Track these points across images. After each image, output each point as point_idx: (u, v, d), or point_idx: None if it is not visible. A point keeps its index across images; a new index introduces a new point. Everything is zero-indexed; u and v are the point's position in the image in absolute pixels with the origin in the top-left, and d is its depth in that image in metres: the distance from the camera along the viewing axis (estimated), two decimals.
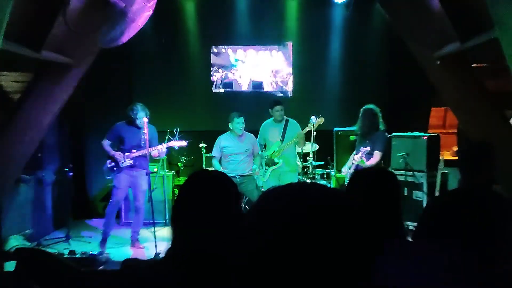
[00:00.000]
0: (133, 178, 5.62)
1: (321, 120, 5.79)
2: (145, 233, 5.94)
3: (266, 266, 0.74)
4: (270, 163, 5.94)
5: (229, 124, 5.71)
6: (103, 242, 5.61)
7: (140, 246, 5.67)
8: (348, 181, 1.92)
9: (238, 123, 5.62)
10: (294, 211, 0.76)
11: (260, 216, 0.79)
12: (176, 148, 5.73)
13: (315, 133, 6.04)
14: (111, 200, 5.67)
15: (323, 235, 0.73)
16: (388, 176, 1.87)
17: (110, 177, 5.65)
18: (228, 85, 7.86)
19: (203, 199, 1.52)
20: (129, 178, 5.63)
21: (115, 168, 5.58)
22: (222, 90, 7.86)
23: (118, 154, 5.55)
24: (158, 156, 5.69)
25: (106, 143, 5.61)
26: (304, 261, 0.72)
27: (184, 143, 5.66)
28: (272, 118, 6.05)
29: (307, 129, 5.82)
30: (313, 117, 5.78)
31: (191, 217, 1.51)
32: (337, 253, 0.73)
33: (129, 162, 5.52)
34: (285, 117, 5.99)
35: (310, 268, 0.72)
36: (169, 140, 5.68)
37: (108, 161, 5.60)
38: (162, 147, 5.55)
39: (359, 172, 2.16)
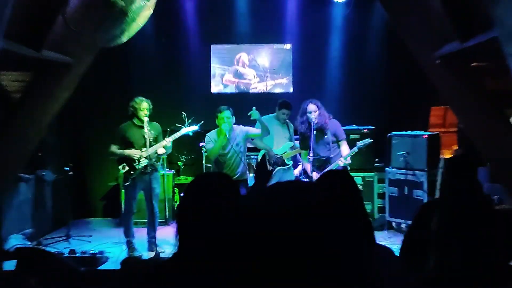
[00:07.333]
0: (146, 182, 5.30)
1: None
2: (144, 232, 5.83)
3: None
4: (280, 162, 5.65)
5: (216, 120, 5.31)
6: (130, 248, 5.45)
7: (160, 251, 5.26)
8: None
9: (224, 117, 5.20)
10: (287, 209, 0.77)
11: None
12: (191, 134, 5.53)
13: (315, 132, 6.03)
14: (125, 210, 5.45)
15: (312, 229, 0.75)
16: None
17: (129, 182, 5.29)
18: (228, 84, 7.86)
19: (206, 200, 1.56)
20: (142, 183, 5.34)
21: (132, 172, 5.25)
22: (222, 90, 7.86)
23: (135, 151, 5.23)
24: (165, 152, 5.47)
25: (114, 149, 5.30)
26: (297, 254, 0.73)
27: (195, 127, 5.50)
28: (275, 114, 5.83)
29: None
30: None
31: (196, 218, 1.54)
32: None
33: (145, 162, 5.21)
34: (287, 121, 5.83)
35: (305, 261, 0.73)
36: (179, 128, 5.46)
37: (121, 167, 5.28)
38: (167, 142, 5.32)
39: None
